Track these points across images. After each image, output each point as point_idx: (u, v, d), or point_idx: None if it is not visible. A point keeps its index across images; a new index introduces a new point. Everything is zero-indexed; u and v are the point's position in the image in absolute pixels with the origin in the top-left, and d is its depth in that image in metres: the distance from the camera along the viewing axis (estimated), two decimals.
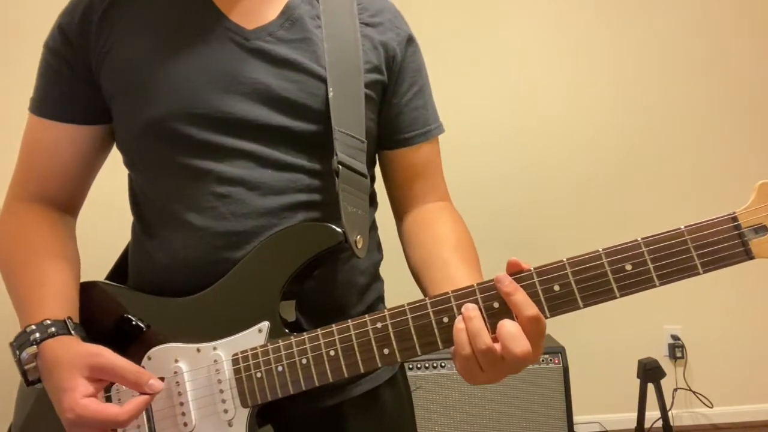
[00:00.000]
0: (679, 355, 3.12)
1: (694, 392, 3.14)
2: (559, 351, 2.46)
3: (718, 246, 0.76)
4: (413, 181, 1.14)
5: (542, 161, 3.07)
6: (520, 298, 0.80)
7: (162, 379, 0.94)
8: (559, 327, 2.55)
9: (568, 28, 3.07)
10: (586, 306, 0.80)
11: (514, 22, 3.06)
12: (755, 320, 3.14)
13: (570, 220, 3.05)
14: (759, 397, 3.16)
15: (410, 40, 1.12)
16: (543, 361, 2.44)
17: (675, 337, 3.13)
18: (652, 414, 2.74)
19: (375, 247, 1.14)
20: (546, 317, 0.81)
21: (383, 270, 1.17)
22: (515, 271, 0.83)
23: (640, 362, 2.72)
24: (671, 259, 0.77)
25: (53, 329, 0.94)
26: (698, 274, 0.76)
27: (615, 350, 3.06)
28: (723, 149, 3.06)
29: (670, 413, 2.81)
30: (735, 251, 0.76)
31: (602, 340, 3.08)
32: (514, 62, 3.07)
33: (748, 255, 0.76)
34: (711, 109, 3.08)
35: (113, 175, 1.13)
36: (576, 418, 2.58)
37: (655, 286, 0.78)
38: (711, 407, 3.13)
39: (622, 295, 0.79)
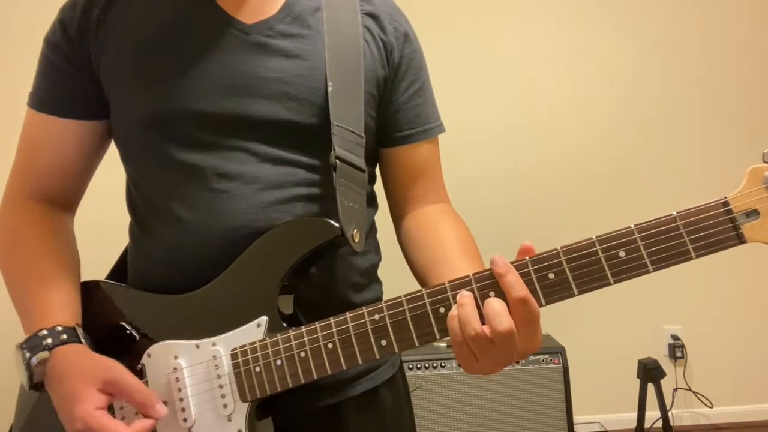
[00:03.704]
0: (679, 355, 3.12)
1: (694, 392, 3.13)
2: (559, 351, 2.47)
3: (711, 231, 0.76)
4: (413, 181, 1.13)
5: (539, 159, 3.08)
6: (512, 279, 0.80)
7: (166, 403, 0.95)
8: (559, 327, 2.57)
9: (564, 25, 3.08)
10: (581, 293, 0.80)
11: (511, 20, 3.07)
12: (755, 320, 3.14)
13: (567, 218, 3.04)
14: (759, 397, 3.16)
15: (407, 37, 1.12)
16: (543, 361, 2.44)
17: (675, 337, 3.14)
18: (652, 414, 2.74)
19: (374, 249, 1.14)
20: (541, 305, 0.81)
21: (380, 273, 1.17)
22: (521, 257, 0.83)
23: (640, 362, 2.73)
24: (664, 244, 0.77)
25: (65, 336, 0.95)
26: (691, 258, 0.76)
27: (615, 350, 3.06)
28: (719, 145, 3.07)
29: (670, 413, 2.81)
30: (727, 235, 0.76)
31: (602, 340, 3.08)
32: (509, 60, 3.08)
33: (740, 239, 0.76)
34: (706, 104, 3.10)
35: (115, 173, 1.14)
36: (576, 418, 2.58)
37: (648, 271, 0.78)
38: (711, 407, 3.13)
39: (616, 282, 0.79)
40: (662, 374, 2.68)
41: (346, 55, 1.03)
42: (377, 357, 0.88)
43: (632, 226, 0.79)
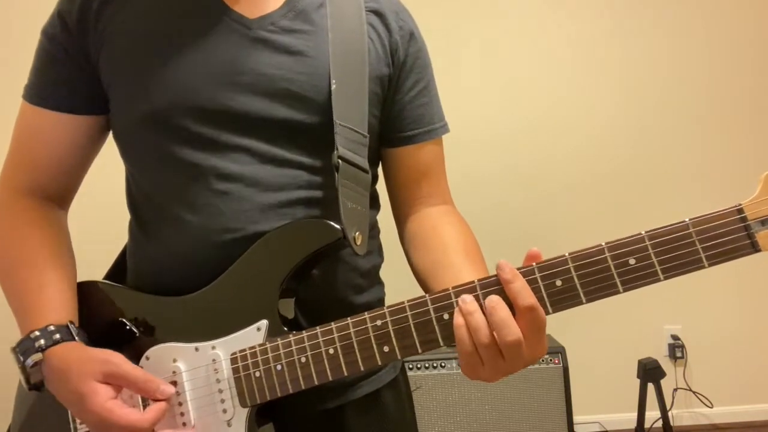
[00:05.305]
0: (679, 355, 3.11)
1: (694, 392, 3.13)
2: (559, 351, 2.46)
3: (724, 239, 0.75)
4: (416, 182, 1.12)
5: (542, 158, 3.07)
6: (519, 285, 0.78)
7: (174, 383, 0.94)
8: (559, 327, 2.56)
9: (568, 24, 3.06)
10: (589, 301, 0.79)
11: (512, 16, 3.06)
12: (755, 320, 3.14)
13: (569, 219, 3.04)
14: (759, 397, 3.16)
15: (412, 36, 1.10)
16: (543, 361, 2.43)
17: (675, 337, 3.13)
18: (652, 414, 2.74)
19: (376, 250, 1.13)
20: (548, 312, 0.79)
21: (382, 274, 1.15)
22: (528, 263, 0.82)
23: (640, 362, 2.72)
24: (676, 252, 0.76)
25: (58, 336, 0.93)
26: (703, 267, 0.75)
27: (615, 350, 3.06)
28: (725, 144, 3.06)
29: (670, 413, 2.80)
30: (741, 244, 0.74)
31: (602, 340, 3.08)
32: (512, 59, 3.06)
33: (755, 248, 0.74)
34: (713, 103, 3.08)
35: (115, 169, 1.12)
36: (576, 418, 2.58)
37: (659, 280, 0.76)
38: (711, 407, 3.12)
39: (625, 290, 0.77)
40: (662, 374, 2.68)
41: (350, 52, 1.01)
42: (379, 363, 0.87)
43: (643, 232, 0.77)
